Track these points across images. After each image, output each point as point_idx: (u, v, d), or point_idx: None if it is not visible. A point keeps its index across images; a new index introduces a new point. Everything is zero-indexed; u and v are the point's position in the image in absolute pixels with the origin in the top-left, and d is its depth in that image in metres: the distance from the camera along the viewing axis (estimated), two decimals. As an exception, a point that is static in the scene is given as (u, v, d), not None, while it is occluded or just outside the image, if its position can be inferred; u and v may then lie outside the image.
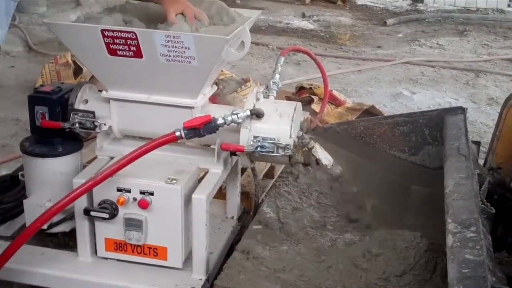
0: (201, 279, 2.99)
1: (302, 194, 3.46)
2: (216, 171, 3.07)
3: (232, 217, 3.53)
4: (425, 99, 6.69)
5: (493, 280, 2.33)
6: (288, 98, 5.82)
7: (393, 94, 6.84)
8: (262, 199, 3.44)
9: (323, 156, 2.97)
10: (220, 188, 3.29)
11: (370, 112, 5.53)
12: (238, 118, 2.82)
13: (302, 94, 5.75)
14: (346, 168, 3.90)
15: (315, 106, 5.44)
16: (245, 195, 3.71)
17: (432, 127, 3.76)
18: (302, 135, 3.00)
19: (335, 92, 5.74)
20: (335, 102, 5.61)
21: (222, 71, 5.30)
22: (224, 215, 3.56)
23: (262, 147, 2.84)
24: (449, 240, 2.53)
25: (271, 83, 3.14)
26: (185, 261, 3.05)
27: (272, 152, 2.84)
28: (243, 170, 3.69)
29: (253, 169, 3.18)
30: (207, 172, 3.10)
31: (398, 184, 4.02)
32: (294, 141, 2.89)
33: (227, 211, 3.55)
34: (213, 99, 4.70)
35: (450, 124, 3.73)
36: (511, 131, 3.48)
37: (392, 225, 3.43)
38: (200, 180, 3.04)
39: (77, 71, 6.16)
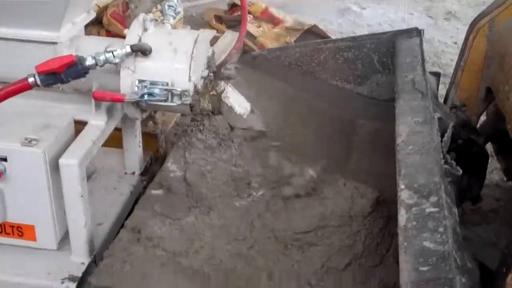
0: (83, 263, 2.29)
1: (220, 142, 2.72)
2: (98, 123, 2.33)
3: (133, 173, 2.80)
4: (375, 15, 6.00)
5: (463, 281, 1.68)
6: (218, 18, 5.01)
7: (340, 10, 6.12)
8: (166, 152, 2.71)
9: (237, 102, 2.25)
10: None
11: (313, 32, 4.79)
12: (114, 57, 2.05)
13: (235, 12, 4.95)
14: (278, 103, 3.20)
15: (250, 27, 4.66)
16: (153, 138, 2.98)
17: (382, 53, 3.21)
18: (209, 74, 2.25)
19: (272, 9, 4.94)
20: (273, 21, 4.83)
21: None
22: (123, 170, 2.82)
23: (150, 94, 2.10)
24: (402, 216, 1.87)
25: (166, 6, 2.33)
26: (64, 239, 2.32)
27: (165, 100, 2.10)
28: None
29: (152, 118, 2.44)
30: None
31: (341, 119, 3.35)
32: (195, 85, 2.14)
33: (125, 165, 2.82)
34: (122, 22, 3.88)
35: (404, 50, 3.03)
36: (478, 60, 2.78)
37: (334, 172, 2.76)
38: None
39: None
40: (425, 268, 1.66)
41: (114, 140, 2.64)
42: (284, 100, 3.32)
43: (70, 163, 2.16)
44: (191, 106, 2.16)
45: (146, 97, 2.10)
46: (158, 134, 2.76)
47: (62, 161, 2.16)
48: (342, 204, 2.32)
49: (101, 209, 2.59)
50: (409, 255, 1.71)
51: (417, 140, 2.20)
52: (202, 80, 2.25)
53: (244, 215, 2.38)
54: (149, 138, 2.93)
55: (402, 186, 1.98)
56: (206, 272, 2.13)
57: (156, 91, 2.09)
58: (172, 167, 2.58)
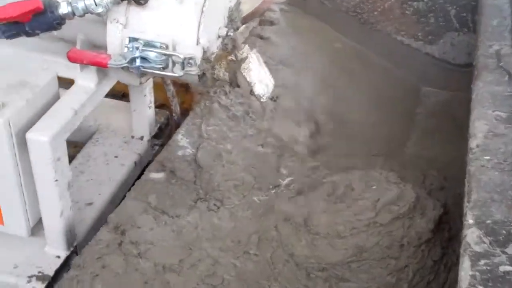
0: (58, 257, 1.84)
1: (248, 111, 2.21)
2: (85, 85, 1.82)
3: (142, 138, 2.31)
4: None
5: None
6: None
7: None
8: (179, 119, 2.21)
9: (258, 78, 1.70)
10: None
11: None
12: (96, 4, 1.52)
13: None
14: (328, 58, 2.66)
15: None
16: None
17: (461, 7, 2.74)
18: (228, 33, 1.70)
19: None
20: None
21: None
22: (131, 133, 2.33)
23: (144, 59, 1.56)
24: (464, 272, 1.33)
25: None
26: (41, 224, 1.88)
27: (163, 68, 1.57)
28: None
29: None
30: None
31: (404, 85, 2.80)
32: (206, 50, 1.59)
33: (133, 128, 2.32)
34: None
35: (489, 8, 2.41)
36: None
37: (388, 158, 2.28)
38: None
39: None
40: None
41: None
42: (336, 55, 2.76)
43: (40, 139, 1.67)
44: (200, 76, 1.63)
45: (138, 62, 1.57)
46: (170, 97, 2.24)
47: (29, 136, 1.68)
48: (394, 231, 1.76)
49: (95, 183, 2.13)
50: None
51: (499, 147, 1.63)
52: (220, 39, 1.70)
53: (263, 216, 1.86)
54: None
55: (470, 221, 1.43)
56: (204, 298, 1.64)
57: (152, 55, 1.56)
58: (182, 141, 2.07)
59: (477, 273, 1.30)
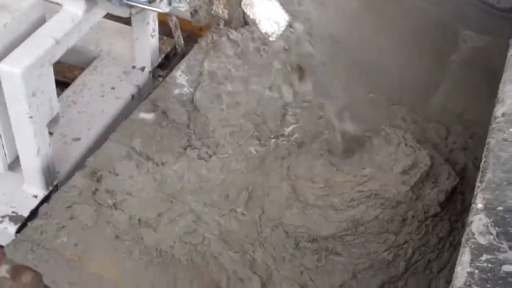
0: (35, 196, 1.71)
1: (259, 48, 2.00)
2: (73, 11, 1.64)
3: (143, 69, 2.13)
4: None
5: None
6: None
7: None
8: (184, 51, 2.02)
9: (265, 14, 1.50)
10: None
11: None
12: None
13: None
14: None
15: None
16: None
17: None
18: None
19: None
20: None
21: None
22: (132, 63, 2.16)
23: (126, -11, 1.36)
24: (461, 268, 1.15)
25: None
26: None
27: (150, 2, 1.37)
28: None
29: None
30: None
31: (441, 26, 2.55)
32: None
33: (135, 57, 2.14)
34: None
35: None
36: None
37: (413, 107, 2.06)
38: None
39: None
40: None
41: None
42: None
43: (13, 71, 1.51)
44: (192, 13, 1.43)
45: (119, -8, 1.38)
46: (173, 28, 2.04)
47: (2, 67, 1.51)
48: (399, 199, 1.56)
49: (86, 116, 1.97)
50: None
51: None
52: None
53: (258, 170, 1.68)
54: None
55: (479, 205, 1.24)
56: (176, 258, 1.49)
57: (135, -14, 1.37)
58: (180, 78, 1.89)
59: (476, 271, 1.12)
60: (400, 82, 2.29)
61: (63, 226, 1.50)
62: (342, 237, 1.50)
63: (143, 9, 1.59)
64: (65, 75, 2.32)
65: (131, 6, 1.48)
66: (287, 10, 1.79)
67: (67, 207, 1.54)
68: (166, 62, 2.26)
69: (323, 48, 2.17)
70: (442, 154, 1.90)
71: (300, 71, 1.89)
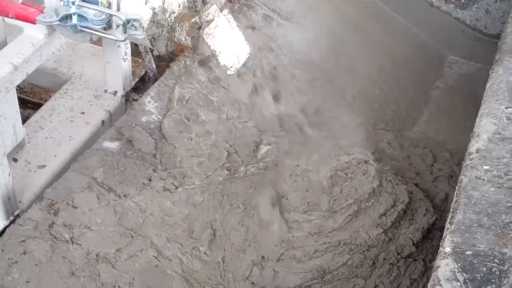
0: (-5, 226, 1.65)
1: (238, 74, 1.92)
2: (34, 35, 1.57)
3: (115, 93, 2.06)
4: None
5: None
6: None
7: None
8: (156, 75, 1.95)
9: (224, 45, 1.43)
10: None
11: None
12: None
13: None
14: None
15: None
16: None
17: None
18: (193, -10, 1.43)
19: None
20: None
21: None
22: (104, 87, 2.09)
23: (80, 17, 1.30)
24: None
25: None
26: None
27: (105, 29, 1.30)
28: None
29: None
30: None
31: (426, 51, 2.49)
32: (154, 11, 1.32)
33: (107, 81, 2.08)
34: None
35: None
36: None
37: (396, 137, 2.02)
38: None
39: None
40: None
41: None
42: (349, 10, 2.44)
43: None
44: (151, 41, 1.37)
45: (75, 19, 1.31)
46: (143, 52, 1.98)
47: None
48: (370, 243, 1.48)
49: (53, 143, 1.90)
50: None
51: (503, 155, 1.35)
52: (184, -4, 1.43)
53: (224, 204, 1.60)
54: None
55: (447, 248, 1.17)
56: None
57: (90, 13, 1.30)
58: (149, 105, 1.82)
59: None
60: (384, 108, 2.23)
61: (15, 262, 1.43)
62: (309, 286, 1.42)
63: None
64: (41, 96, 2.27)
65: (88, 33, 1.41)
66: (264, 34, 1.73)
67: (21, 241, 1.47)
68: (142, 86, 2.20)
69: (302, 74, 2.11)
70: (425, 183, 1.84)
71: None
